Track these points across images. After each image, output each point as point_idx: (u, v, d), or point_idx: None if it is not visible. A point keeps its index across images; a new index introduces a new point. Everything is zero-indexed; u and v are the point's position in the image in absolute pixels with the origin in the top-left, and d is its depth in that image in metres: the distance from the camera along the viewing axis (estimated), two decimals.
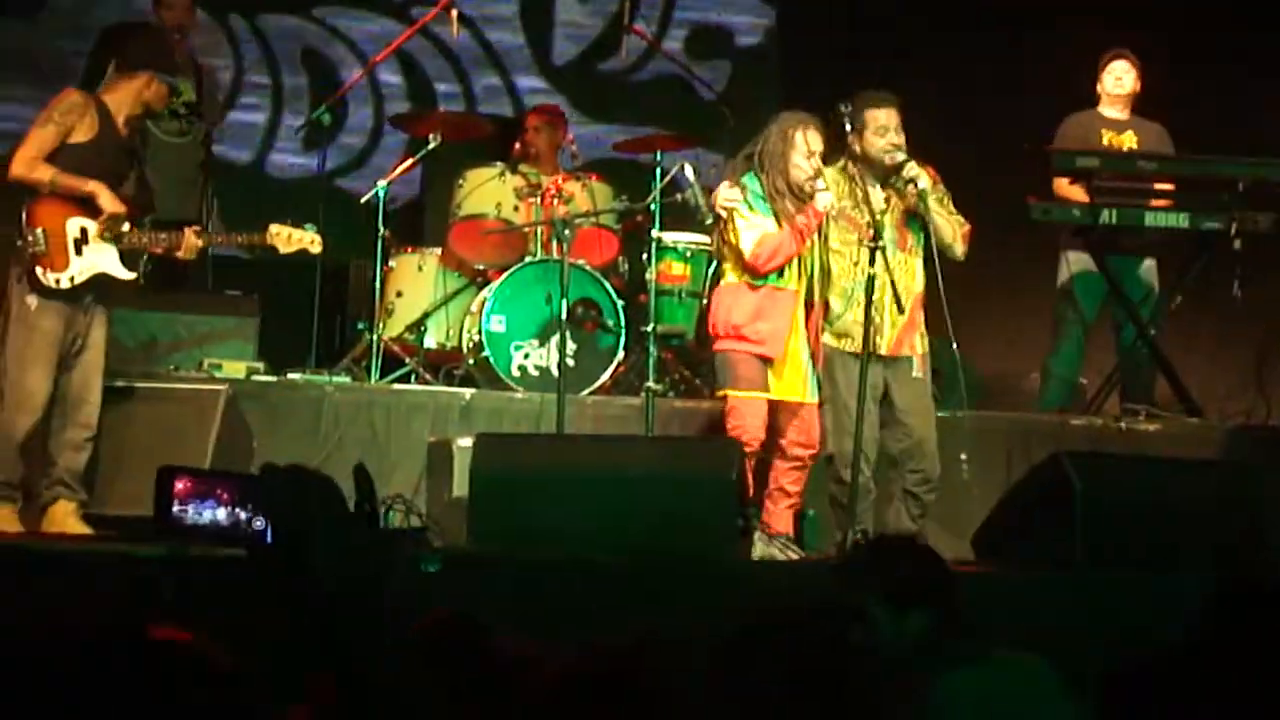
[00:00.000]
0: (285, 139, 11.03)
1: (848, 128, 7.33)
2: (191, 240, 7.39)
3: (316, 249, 7.64)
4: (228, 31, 10.94)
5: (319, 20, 11.13)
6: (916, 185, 7.24)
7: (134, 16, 9.82)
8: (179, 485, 2.04)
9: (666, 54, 10.76)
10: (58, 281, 7.11)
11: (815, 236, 7.30)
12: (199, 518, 2.03)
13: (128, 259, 7.26)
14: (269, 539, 2.01)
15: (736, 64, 11.45)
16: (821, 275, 7.37)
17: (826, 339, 7.37)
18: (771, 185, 7.26)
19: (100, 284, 7.23)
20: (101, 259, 7.20)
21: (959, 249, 7.40)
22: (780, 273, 7.30)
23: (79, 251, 7.16)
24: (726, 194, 7.33)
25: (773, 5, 11.60)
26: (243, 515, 2.02)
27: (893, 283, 7.20)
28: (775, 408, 7.31)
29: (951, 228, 7.36)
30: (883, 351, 7.28)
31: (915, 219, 7.38)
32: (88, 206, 7.17)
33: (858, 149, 7.34)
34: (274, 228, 7.57)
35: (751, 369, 7.25)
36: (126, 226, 7.22)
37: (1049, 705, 3.44)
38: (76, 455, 7.20)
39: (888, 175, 7.33)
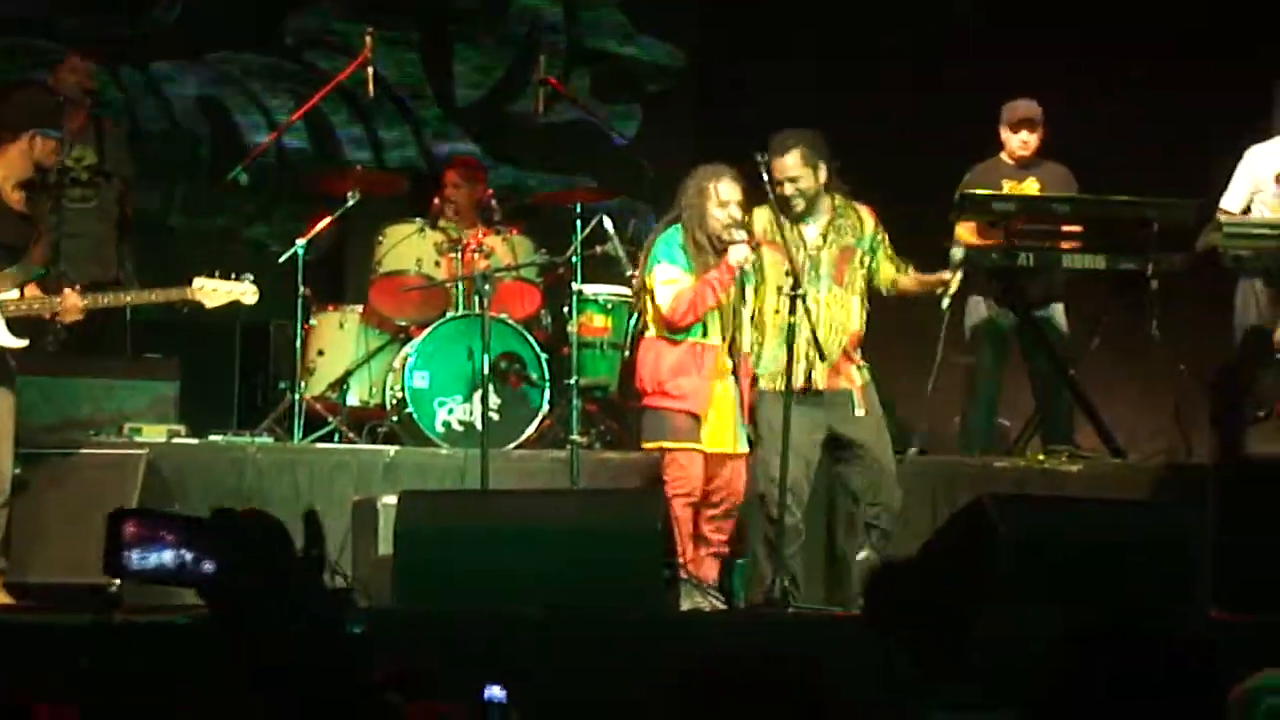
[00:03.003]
0: (187, 194, 11.01)
1: (765, 177, 7.40)
2: (71, 301, 7.14)
3: (252, 299, 7.41)
4: (119, 84, 10.89)
5: (213, 65, 11.13)
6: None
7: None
8: (128, 529, 2.01)
9: (582, 106, 10.77)
10: None
11: (736, 287, 7.35)
12: (145, 562, 2.00)
13: (17, 326, 7.06)
14: (216, 583, 1.99)
15: (646, 107, 11.49)
16: (753, 314, 7.46)
17: (760, 383, 7.41)
18: (692, 240, 7.32)
19: None
20: None
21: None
22: (704, 329, 7.37)
23: None
24: (652, 249, 7.41)
25: (682, 46, 11.66)
26: (189, 557, 1.99)
27: (814, 330, 7.26)
28: (705, 458, 7.35)
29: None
30: (820, 387, 7.36)
31: (858, 256, 7.49)
32: None
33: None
34: (198, 281, 7.32)
35: (683, 421, 7.33)
36: (9, 294, 7.02)
37: None
38: None
39: (800, 216, 7.48)
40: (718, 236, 7.30)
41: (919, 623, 4.04)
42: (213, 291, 7.33)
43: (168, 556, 1.98)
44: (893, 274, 7.62)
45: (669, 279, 7.34)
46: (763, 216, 7.49)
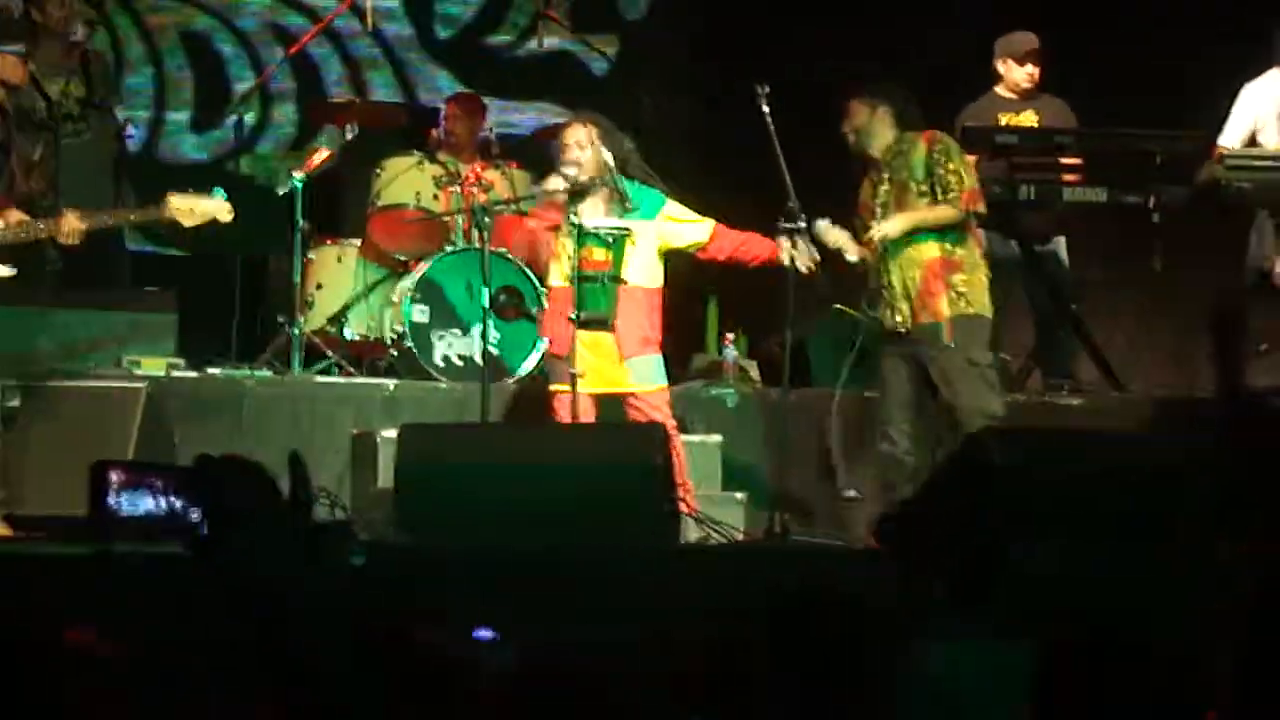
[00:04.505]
0: (172, 127, 10.97)
1: (765, 108, 7.44)
2: (73, 223, 7.01)
3: (228, 217, 7.25)
4: (104, 17, 10.79)
5: (196, 2, 11.07)
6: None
7: None
8: (113, 477, 2.00)
9: (581, 38, 10.71)
10: None
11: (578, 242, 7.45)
12: (134, 509, 2.00)
13: (5, 254, 6.97)
14: (204, 531, 1.97)
15: (623, 37, 11.40)
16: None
17: None
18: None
19: None
20: None
21: (957, 218, 7.52)
22: (559, 271, 7.58)
23: None
24: None
25: None
26: (178, 505, 1.98)
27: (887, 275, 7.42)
28: (612, 401, 7.43)
29: (931, 216, 7.47)
30: (905, 327, 7.40)
31: (914, 189, 7.45)
32: None
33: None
34: (174, 199, 7.20)
35: (557, 365, 7.51)
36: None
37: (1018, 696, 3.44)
38: None
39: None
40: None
41: (939, 552, 4.07)
42: (189, 210, 7.17)
43: (155, 504, 1.97)
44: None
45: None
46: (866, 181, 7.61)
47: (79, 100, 9.05)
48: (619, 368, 7.41)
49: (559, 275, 7.56)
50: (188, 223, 7.23)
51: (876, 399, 7.56)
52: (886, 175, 7.50)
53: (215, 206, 7.26)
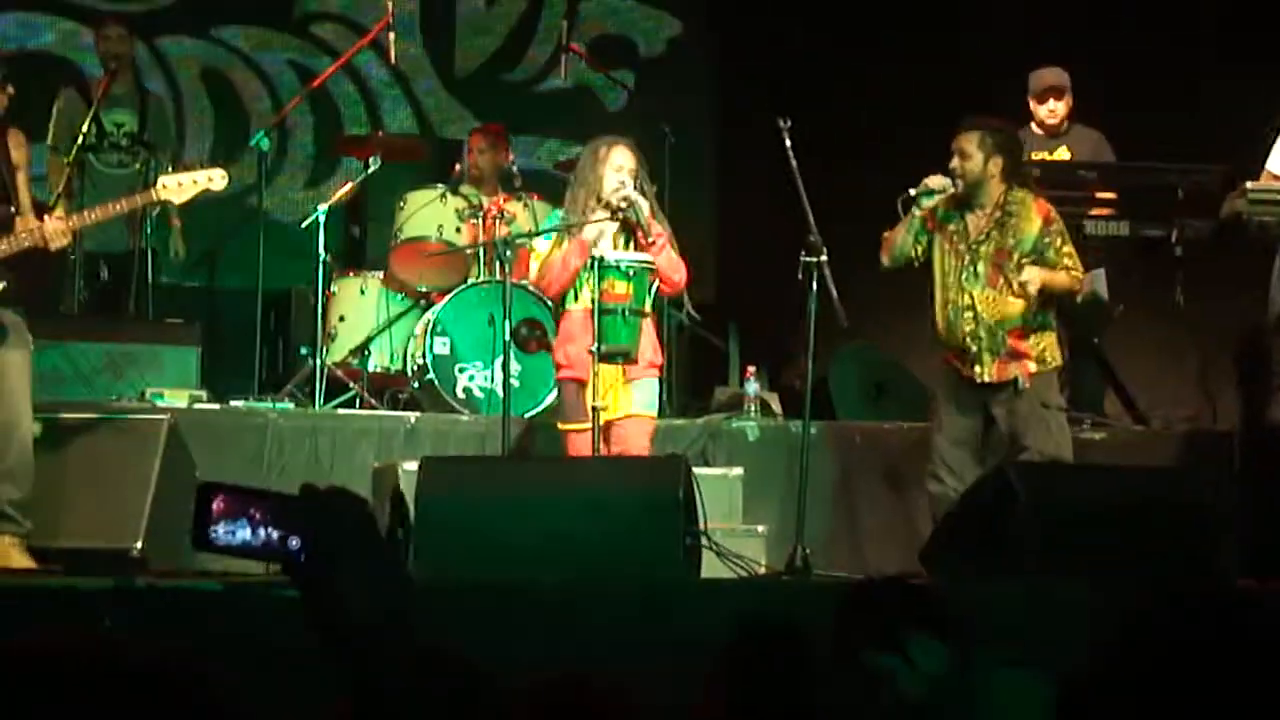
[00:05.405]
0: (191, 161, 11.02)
1: (787, 143, 7.41)
2: (56, 227, 6.85)
3: (220, 184, 7.16)
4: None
5: (218, 40, 11.12)
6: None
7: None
8: (215, 504, 2.02)
9: (605, 73, 10.74)
10: None
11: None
12: (231, 538, 2.01)
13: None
14: (303, 559, 1.99)
15: (640, 74, 11.43)
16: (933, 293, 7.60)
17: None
18: (584, 207, 7.32)
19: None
20: None
21: (1072, 290, 7.70)
22: (576, 294, 7.37)
23: None
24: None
25: (678, 16, 11.63)
26: (275, 535, 2.00)
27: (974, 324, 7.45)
28: (609, 427, 7.30)
29: (1062, 281, 7.55)
30: (986, 379, 7.46)
31: (1016, 258, 7.47)
32: None
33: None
34: (163, 180, 7.15)
35: (573, 397, 7.32)
36: None
37: None
38: (14, 486, 6.92)
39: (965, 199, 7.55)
40: (607, 200, 7.31)
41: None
42: (179, 186, 7.08)
43: (253, 533, 1.99)
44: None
45: (540, 252, 7.41)
46: (941, 202, 7.58)
47: (129, 135, 9.11)
48: (618, 393, 7.33)
49: (575, 299, 7.41)
50: (178, 199, 7.14)
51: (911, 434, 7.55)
52: (987, 227, 7.51)
53: (206, 176, 7.16)
